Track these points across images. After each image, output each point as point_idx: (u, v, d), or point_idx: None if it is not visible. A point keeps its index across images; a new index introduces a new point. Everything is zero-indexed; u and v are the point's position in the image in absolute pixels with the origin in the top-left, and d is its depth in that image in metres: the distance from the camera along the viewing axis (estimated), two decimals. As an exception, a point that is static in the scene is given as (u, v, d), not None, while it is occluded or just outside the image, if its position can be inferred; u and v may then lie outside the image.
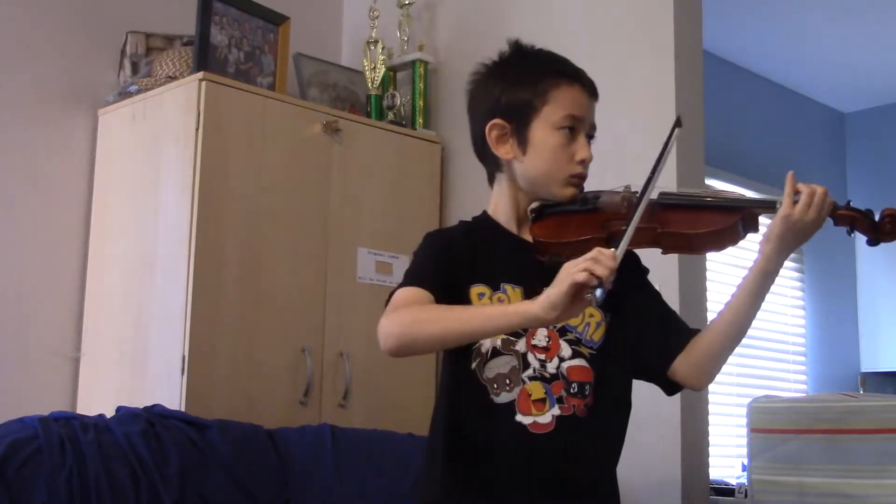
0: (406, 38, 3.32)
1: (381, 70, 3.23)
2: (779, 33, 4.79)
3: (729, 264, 4.37)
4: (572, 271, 1.42)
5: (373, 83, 3.23)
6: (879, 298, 5.45)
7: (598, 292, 1.41)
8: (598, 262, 1.41)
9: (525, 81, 1.71)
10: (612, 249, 1.45)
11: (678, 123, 1.63)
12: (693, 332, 1.71)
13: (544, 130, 1.69)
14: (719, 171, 4.67)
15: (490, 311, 1.56)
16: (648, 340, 1.71)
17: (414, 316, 1.55)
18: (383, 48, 3.24)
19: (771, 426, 2.36)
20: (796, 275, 5.34)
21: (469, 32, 3.25)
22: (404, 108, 3.24)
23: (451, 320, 1.53)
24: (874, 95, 5.53)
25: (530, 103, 1.69)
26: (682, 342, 1.69)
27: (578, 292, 1.42)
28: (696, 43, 2.81)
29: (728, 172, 4.79)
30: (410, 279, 1.65)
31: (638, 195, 1.58)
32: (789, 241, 1.57)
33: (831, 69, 5.22)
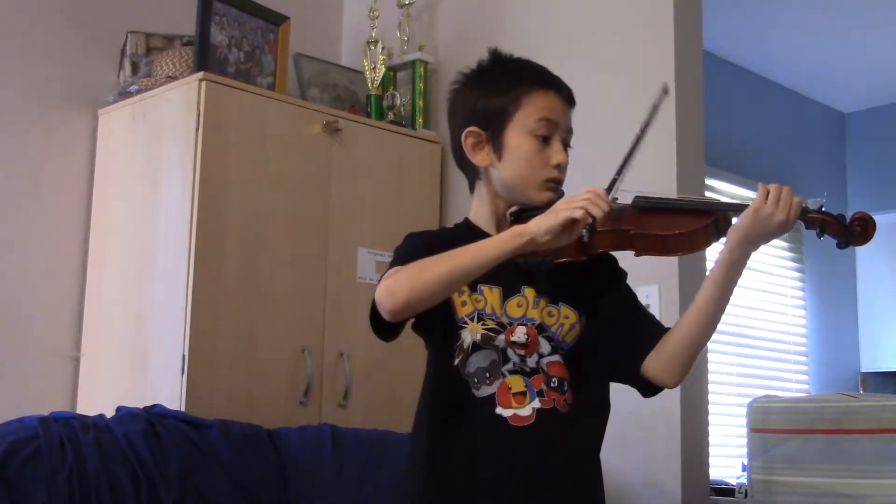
0: (406, 38, 3.32)
1: (381, 70, 3.23)
2: (779, 33, 4.78)
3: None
4: (571, 206, 1.53)
5: (373, 83, 3.23)
6: (879, 298, 5.44)
7: (586, 231, 1.53)
8: (594, 203, 1.52)
9: (500, 88, 1.72)
10: (605, 191, 1.57)
11: (664, 91, 1.68)
12: (665, 330, 1.72)
13: (519, 136, 1.70)
14: (719, 171, 4.67)
15: (481, 243, 1.58)
16: (621, 339, 1.72)
17: (417, 267, 1.58)
18: (383, 48, 3.24)
19: (771, 426, 2.36)
20: (797, 275, 5.31)
21: (469, 32, 3.25)
22: (404, 108, 3.24)
23: (449, 259, 1.56)
24: (874, 95, 5.52)
25: (504, 109, 1.70)
26: (653, 339, 1.70)
27: (572, 226, 1.53)
28: (696, 43, 2.81)
29: (728, 172, 4.78)
30: (399, 261, 1.66)
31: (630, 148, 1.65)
32: (754, 235, 1.58)
33: (831, 69, 5.21)
